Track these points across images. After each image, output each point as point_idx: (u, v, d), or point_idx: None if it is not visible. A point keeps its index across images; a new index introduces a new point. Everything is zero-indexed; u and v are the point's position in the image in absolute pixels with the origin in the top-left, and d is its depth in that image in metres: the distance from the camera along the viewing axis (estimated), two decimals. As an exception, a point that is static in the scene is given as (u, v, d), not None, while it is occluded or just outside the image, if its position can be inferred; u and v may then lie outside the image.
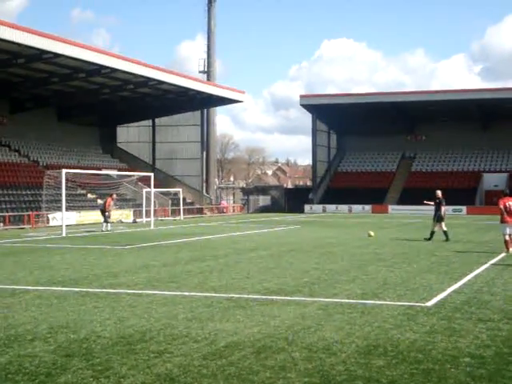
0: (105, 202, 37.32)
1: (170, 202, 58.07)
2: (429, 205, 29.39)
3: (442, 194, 27.99)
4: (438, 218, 27.31)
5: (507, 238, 21.70)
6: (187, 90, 57.88)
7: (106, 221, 36.07)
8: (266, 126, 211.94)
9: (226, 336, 9.38)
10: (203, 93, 59.85)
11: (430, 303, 12.00)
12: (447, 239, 26.68)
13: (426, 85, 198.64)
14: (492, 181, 67.84)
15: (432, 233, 27.20)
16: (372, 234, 29.59)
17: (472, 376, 7.44)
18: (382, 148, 75.63)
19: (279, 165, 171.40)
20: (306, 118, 76.16)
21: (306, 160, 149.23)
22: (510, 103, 66.27)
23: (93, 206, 49.28)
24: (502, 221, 21.78)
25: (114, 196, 39.32)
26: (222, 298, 12.59)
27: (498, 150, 71.84)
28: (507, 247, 21.69)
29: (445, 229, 27.13)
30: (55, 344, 8.97)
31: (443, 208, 27.49)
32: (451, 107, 68.56)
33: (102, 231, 35.08)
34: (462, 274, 16.15)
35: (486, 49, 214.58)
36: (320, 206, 68.56)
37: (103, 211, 36.44)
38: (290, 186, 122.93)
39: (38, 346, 8.88)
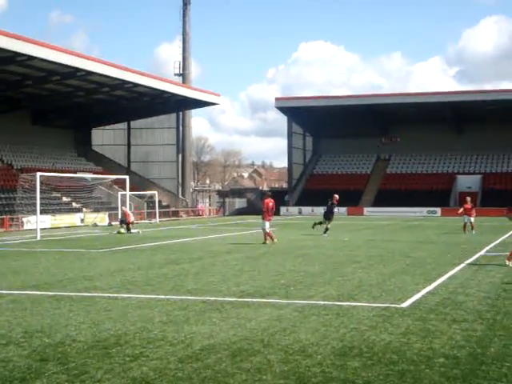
0: (122, 214, 37.47)
1: (145, 204, 57.86)
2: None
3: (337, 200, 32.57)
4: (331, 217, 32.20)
5: None
6: (162, 92, 57.74)
7: (129, 229, 36.24)
8: (242, 129, 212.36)
9: (202, 339, 9.36)
10: (178, 95, 59.73)
11: (405, 304, 12.06)
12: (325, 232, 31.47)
13: (403, 87, 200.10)
14: (466, 183, 68.44)
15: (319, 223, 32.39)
16: None
17: (446, 377, 7.49)
18: (357, 150, 75.94)
19: (255, 167, 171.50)
20: (283, 121, 76.29)
21: (281, 162, 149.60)
22: (484, 106, 66.92)
23: (67, 209, 49.03)
24: None
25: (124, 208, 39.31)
26: (198, 301, 12.56)
27: (471, 152, 72.43)
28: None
29: (329, 226, 31.89)
30: (30, 348, 8.89)
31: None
32: (426, 110, 69.01)
33: (138, 232, 35.33)
34: (437, 275, 16.26)
35: (461, 52, 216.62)
36: (296, 208, 68.67)
37: (124, 221, 36.70)
38: (265, 188, 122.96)
39: (12, 350, 8.80)
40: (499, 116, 67.97)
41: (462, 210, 33.83)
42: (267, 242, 26.91)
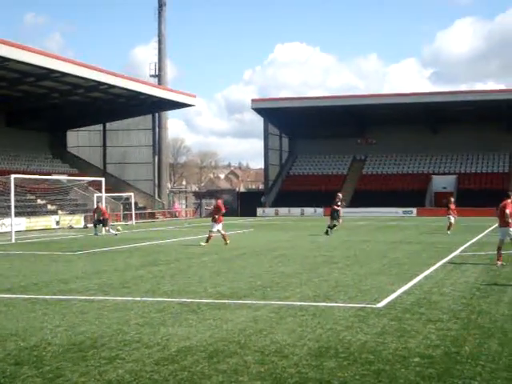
0: (99, 212, 37.04)
1: (121, 206, 57.57)
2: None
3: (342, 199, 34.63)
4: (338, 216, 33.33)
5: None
6: (138, 93, 57.53)
7: (106, 225, 36.18)
8: (219, 130, 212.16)
9: (178, 341, 9.35)
10: (154, 97, 59.57)
11: (380, 304, 12.12)
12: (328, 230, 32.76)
13: (379, 89, 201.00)
14: (441, 183, 68.92)
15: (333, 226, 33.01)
16: None
17: (422, 376, 7.54)
18: (333, 151, 76.16)
19: (232, 169, 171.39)
20: (259, 122, 76.41)
21: (258, 164, 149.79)
22: (459, 107, 67.42)
23: (43, 212, 48.67)
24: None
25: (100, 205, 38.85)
26: (174, 303, 12.54)
27: (446, 152, 72.88)
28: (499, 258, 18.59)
29: (332, 224, 33.04)
30: (4, 352, 8.82)
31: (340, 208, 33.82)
32: (401, 111, 69.35)
33: (116, 235, 35.03)
34: (413, 275, 16.36)
35: (436, 53, 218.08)
36: (272, 210, 68.72)
37: (101, 220, 36.38)
38: (242, 189, 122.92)
39: (-13, 354, 8.73)
40: (474, 117, 68.50)
41: (451, 210, 33.85)
42: (204, 243, 27.11)
